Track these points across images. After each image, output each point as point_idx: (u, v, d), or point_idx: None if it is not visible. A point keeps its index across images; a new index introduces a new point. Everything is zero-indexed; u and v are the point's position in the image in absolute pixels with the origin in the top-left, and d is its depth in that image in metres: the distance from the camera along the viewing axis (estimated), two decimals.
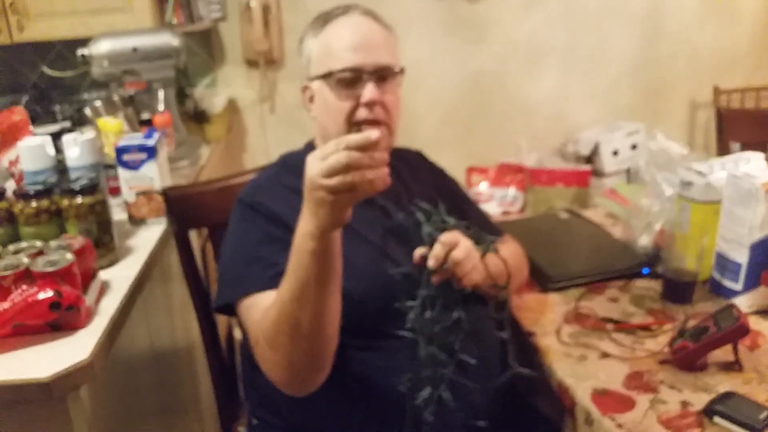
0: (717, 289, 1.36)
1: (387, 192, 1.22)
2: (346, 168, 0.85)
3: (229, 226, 1.22)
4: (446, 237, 1.09)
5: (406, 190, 1.29)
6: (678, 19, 3.05)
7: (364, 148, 0.85)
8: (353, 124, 1.17)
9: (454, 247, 1.08)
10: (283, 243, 1.08)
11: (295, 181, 1.20)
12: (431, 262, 1.08)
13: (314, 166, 0.88)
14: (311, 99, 1.24)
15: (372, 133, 0.86)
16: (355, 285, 1.07)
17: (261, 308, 1.06)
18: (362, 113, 1.17)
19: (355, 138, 0.86)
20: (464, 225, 1.15)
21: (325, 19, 1.21)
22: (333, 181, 0.86)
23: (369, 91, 1.15)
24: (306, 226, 0.92)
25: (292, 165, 1.26)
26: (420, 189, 1.31)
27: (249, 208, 1.19)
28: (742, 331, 1.10)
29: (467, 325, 1.10)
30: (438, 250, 1.08)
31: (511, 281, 1.18)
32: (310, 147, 1.30)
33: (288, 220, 1.11)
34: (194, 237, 1.52)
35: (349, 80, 1.16)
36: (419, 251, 1.11)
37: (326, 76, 1.18)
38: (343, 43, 1.17)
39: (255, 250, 1.14)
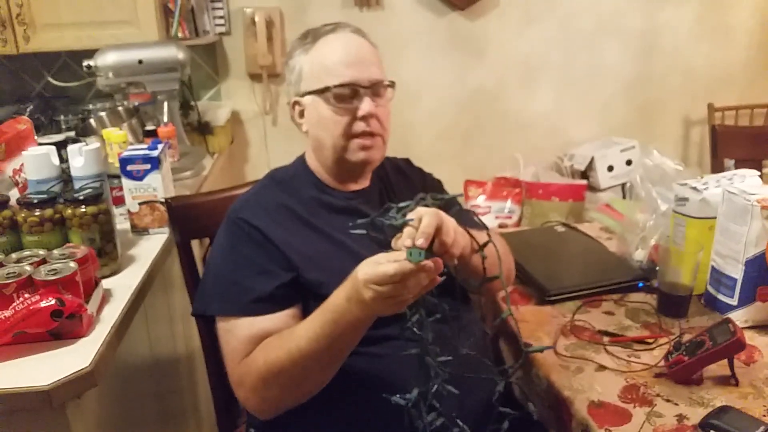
0: (712, 304, 1.37)
1: (376, 202, 1.22)
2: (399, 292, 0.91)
3: (216, 240, 1.23)
4: (414, 213, 0.97)
5: (393, 196, 1.29)
6: (672, 38, 3.08)
7: (416, 272, 0.89)
8: (350, 137, 1.19)
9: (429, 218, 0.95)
10: (264, 266, 1.13)
11: (284, 197, 1.23)
12: (420, 241, 0.91)
13: (369, 291, 0.92)
14: (302, 114, 1.26)
15: (427, 263, 0.90)
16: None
17: (241, 336, 1.10)
18: (359, 126, 1.19)
19: (408, 268, 0.89)
20: (419, 198, 1.03)
21: (314, 35, 1.23)
22: (386, 305, 0.93)
23: (367, 105, 1.18)
24: (355, 309, 0.96)
25: (281, 180, 1.28)
26: (408, 194, 1.30)
27: (236, 226, 1.19)
28: (739, 345, 1.11)
29: (453, 319, 1.07)
30: (418, 225, 0.94)
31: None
32: (301, 162, 1.31)
33: (275, 237, 1.15)
34: (196, 246, 1.53)
35: (346, 95, 1.18)
36: (402, 242, 0.94)
37: (322, 91, 1.19)
38: (337, 59, 1.19)
39: (235, 272, 1.16)
